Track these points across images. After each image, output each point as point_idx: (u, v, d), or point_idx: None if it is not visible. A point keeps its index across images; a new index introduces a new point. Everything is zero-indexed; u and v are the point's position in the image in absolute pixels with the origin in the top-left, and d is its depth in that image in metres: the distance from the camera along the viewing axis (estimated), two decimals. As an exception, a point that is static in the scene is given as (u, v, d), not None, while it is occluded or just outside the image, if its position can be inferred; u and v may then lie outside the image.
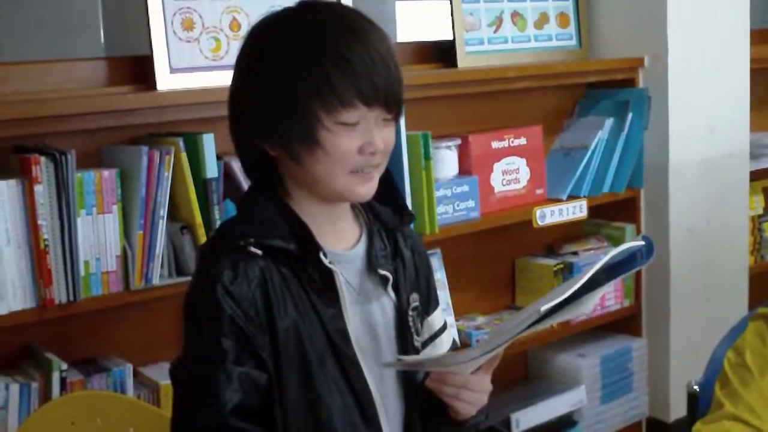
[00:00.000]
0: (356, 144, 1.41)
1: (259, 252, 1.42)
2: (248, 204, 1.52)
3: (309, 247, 1.45)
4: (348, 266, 1.51)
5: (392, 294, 1.54)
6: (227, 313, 1.39)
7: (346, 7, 1.50)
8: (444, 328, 1.67)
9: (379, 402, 1.49)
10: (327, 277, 1.46)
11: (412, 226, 1.68)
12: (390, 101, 1.42)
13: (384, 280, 1.54)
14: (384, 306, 1.54)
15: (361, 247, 1.54)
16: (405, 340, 1.55)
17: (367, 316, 1.51)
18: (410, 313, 1.56)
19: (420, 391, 1.57)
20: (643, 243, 1.38)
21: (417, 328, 1.58)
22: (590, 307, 1.37)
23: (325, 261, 1.45)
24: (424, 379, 1.57)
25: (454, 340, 1.74)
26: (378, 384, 1.50)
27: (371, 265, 1.53)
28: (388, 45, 1.44)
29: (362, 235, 1.56)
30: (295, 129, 1.40)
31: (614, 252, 1.34)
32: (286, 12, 1.47)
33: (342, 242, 1.53)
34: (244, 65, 1.48)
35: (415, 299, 1.58)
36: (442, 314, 1.70)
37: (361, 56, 1.38)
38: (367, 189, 1.47)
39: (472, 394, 1.47)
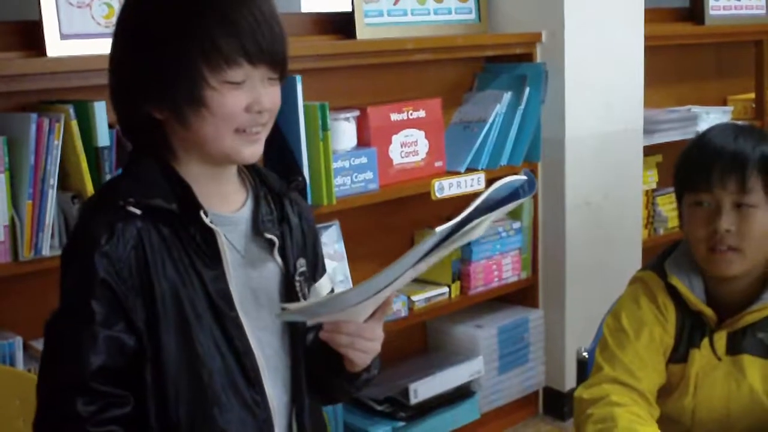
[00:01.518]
0: (243, 102, 1.42)
1: (138, 212, 1.41)
2: (131, 165, 1.51)
3: (190, 206, 1.44)
4: (232, 228, 1.50)
5: (278, 259, 1.55)
6: (100, 275, 1.38)
7: None
8: (332, 293, 1.68)
9: (262, 364, 1.49)
10: (208, 238, 1.45)
11: (309, 196, 1.67)
12: (275, 60, 1.44)
13: (270, 244, 1.54)
14: (269, 270, 1.54)
15: (247, 211, 1.54)
16: None
17: (250, 279, 1.51)
18: (297, 278, 1.56)
19: (311, 350, 1.58)
20: (525, 179, 1.40)
21: (304, 293, 1.58)
22: (480, 233, 1.38)
23: (206, 220, 1.44)
24: (315, 339, 1.58)
25: None
26: (261, 346, 1.50)
27: (257, 228, 1.53)
28: (271, 6, 1.45)
29: (248, 198, 1.56)
30: (180, 90, 1.40)
31: (498, 185, 1.36)
32: None
33: (227, 205, 1.52)
34: (127, 28, 1.46)
35: (302, 264, 1.59)
36: (329, 281, 1.70)
37: (244, 15, 1.39)
38: (252, 151, 1.47)
39: (366, 342, 1.48)
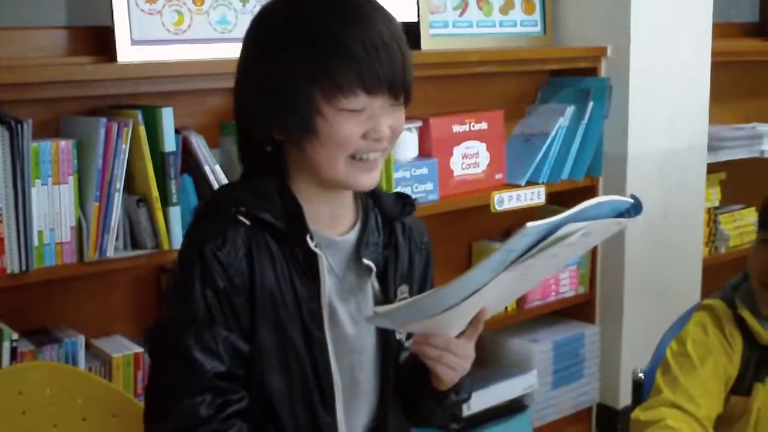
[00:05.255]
0: (360, 130, 1.40)
1: (247, 222, 1.43)
2: (246, 177, 1.52)
3: (297, 227, 1.44)
4: (335, 251, 1.50)
5: (376, 284, 1.54)
6: (215, 279, 1.40)
7: None
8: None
9: (338, 390, 1.49)
10: (311, 260, 1.45)
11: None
12: (395, 88, 1.40)
13: (368, 270, 1.53)
14: (365, 295, 1.54)
15: (353, 234, 1.53)
16: (386, 331, 1.55)
17: (345, 303, 1.51)
18: None
19: (403, 368, 1.58)
20: (631, 202, 1.35)
21: None
22: (573, 251, 1.37)
23: (311, 244, 1.45)
24: (407, 358, 1.58)
25: None
26: (345, 372, 1.51)
27: (358, 253, 1.52)
28: (393, 28, 1.41)
29: (357, 221, 1.55)
30: (293, 117, 1.39)
31: (600, 200, 1.32)
32: None
33: (335, 227, 1.52)
34: (248, 55, 1.47)
35: (403, 291, 1.57)
36: None
37: (362, 43, 1.35)
38: (370, 178, 1.45)
39: (455, 358, 1.45)
